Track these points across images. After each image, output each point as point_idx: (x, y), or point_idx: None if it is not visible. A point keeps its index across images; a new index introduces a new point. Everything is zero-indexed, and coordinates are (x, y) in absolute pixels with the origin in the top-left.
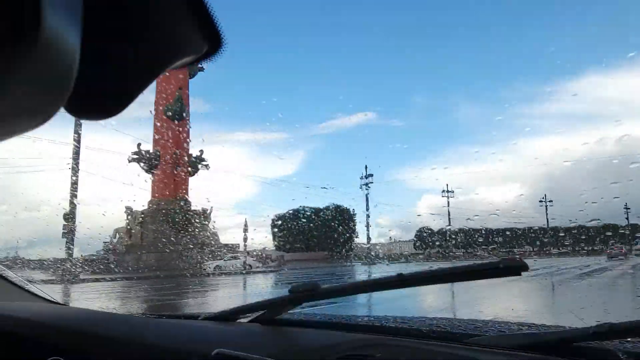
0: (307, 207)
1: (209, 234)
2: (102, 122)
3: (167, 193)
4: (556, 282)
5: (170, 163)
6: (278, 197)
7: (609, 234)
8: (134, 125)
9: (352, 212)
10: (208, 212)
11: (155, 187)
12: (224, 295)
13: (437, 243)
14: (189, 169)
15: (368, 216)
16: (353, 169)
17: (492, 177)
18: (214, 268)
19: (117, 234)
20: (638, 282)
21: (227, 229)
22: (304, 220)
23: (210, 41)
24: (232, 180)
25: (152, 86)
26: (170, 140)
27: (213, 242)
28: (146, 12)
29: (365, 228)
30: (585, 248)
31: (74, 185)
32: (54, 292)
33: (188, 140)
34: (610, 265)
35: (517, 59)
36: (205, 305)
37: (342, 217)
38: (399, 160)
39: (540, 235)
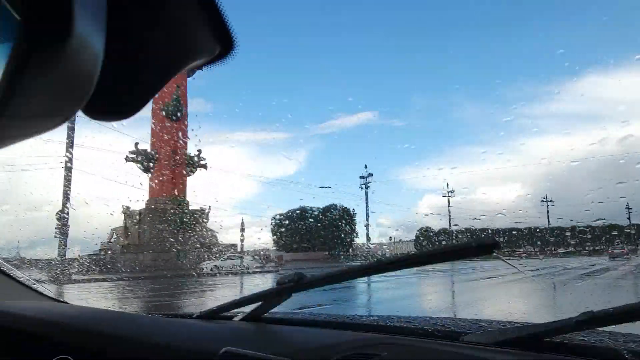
0: (313, 207)
1: (207, 233)
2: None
3: (165, 192)
4: (562, 282)
5: (168, 162)
6: (278, 197)
7: (615, 233)
8: (132, 125)
9: (352, 212)
10: (207, 211)
11: (152, 187)
12: (223, 295)
13: (444, 243)
14: (187, 168)
15: (368, 215)
16: (353, 169)
17: (495, 177)
18: (212, 268)
19: (115, 234)
20: None
21: (227, 229)
22: (311, 220)
23: (222, 42)
24: (232, 180)
25: None
26: (168, 139)
27: (212, 242)
28: (161, 14)
29: (365, 228)
30: (587, 248)
31: (67, 184)
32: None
33: (186, 139)
34: (612, 265)
35: (518, 59)
36: (203, 307)
37: (348, 217)
38: (399, 160)
39: (545, 234)
